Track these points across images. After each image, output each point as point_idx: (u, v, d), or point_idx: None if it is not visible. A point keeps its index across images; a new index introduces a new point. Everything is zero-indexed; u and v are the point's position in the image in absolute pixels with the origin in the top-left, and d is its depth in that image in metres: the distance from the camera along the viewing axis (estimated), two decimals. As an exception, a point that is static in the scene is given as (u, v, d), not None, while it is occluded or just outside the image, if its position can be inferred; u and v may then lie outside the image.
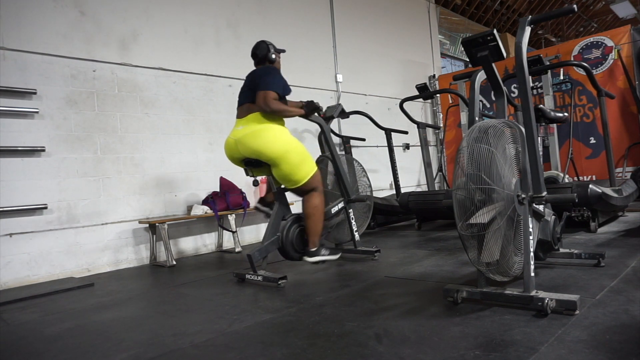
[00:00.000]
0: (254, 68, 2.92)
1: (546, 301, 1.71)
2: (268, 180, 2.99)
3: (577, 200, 1.94)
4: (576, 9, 1.85)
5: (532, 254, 1.82)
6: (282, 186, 2.88)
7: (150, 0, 4.07)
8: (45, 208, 3.33)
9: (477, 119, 2.06)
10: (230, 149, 2.76)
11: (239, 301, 2.36)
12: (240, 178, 4.03)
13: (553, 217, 2.24)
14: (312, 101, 2.89)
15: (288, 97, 2.81)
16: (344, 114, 3.32)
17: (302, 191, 2.75)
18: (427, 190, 4.86)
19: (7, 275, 3.17)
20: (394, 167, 5.06)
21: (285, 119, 2.78)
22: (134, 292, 2.80)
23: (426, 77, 7.28)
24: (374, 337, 1.65)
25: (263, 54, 2.84)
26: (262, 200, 3.11)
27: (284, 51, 2.96)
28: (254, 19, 4.90)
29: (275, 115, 2.68)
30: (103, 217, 3.65)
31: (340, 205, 3.22)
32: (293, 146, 2.67)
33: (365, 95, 6.16)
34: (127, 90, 3.87)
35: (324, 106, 3.45)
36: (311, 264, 2.79)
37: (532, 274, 1.80)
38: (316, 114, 2.97)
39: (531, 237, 1.84)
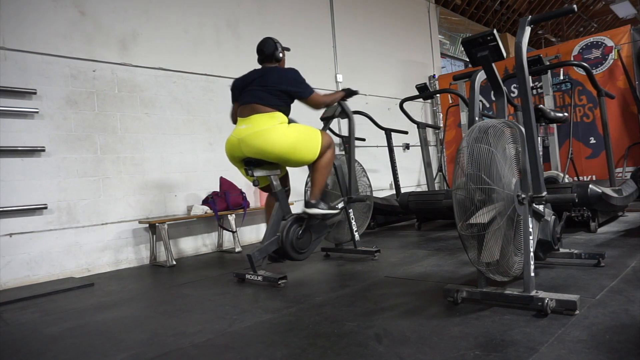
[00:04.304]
0: (259, 65, 2.91)
1: (546, 301, 1.71)
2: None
3: (577, 200, 1.94)
4: (576, 9, 1.85)
5: (532, 254, 1.82)
6: (281, 188, 2.89)
7: (150, 0, 4.07)
8: (45, 208, 3.33)
9: (477, 119, 2.06)
10: (232, 148, 2.75)
11: (239, 301, 2.36)
12: (240, 178, 4.04)
13: (553, 217, 2.24)
14: (349, 88, 3.17)
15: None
16: (343, 114, 3.34)
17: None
18: (427, 190, 4.86)
19: (7, 275, 3.17)
20: (394, 167, 5.06)
21: (286, 118, 2.79)
22: (134, 292, 2.80)
23: (426, 77, 7.28)
24: (374, 337, 1.65)
25: (270, 52, 2.84)
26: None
27: (288, 49, 2.96)
28: (254, 19, 4.90)
29: (316, 108, 2.92)
30: (103, 217, 3.65)
31: (340, 205, 3.21)
32: (297, 138, 2.69)
33: (365, 95, 6.16)
34: (127, 90, 3.87)
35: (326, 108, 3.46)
36: (309, 215, 2.80)
37: (532, 274, 1.80)
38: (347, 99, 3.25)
39: (531, 237, 1.84)
